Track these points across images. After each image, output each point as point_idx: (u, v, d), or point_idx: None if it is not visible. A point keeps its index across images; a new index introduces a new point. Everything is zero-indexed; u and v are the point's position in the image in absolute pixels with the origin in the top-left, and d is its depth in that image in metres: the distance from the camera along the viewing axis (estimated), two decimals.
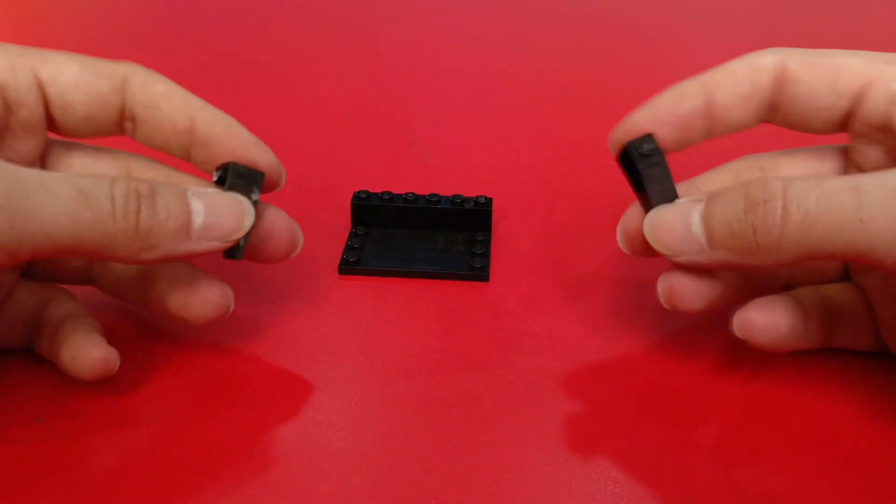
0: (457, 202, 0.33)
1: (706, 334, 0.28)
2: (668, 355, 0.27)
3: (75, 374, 0.24)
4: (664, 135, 0.25)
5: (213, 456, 0.23)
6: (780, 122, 0.26)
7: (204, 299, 0.25)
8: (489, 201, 0.33)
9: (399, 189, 0.34)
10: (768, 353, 0.25)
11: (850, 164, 0.26)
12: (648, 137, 0.24)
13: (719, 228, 0.22)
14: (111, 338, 0.25)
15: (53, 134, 0.26)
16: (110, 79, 0.25)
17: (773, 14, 0.63)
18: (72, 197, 0.20)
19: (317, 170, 0.39)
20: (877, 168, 0.25)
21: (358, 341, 0.28)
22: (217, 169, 0.25)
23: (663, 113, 0.25)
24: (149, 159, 0.27)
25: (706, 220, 0.23)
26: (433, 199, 0.33)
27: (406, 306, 0.30)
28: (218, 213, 0.23)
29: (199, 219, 0.23)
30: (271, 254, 0.26)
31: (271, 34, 0.57)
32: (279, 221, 0.26)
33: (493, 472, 0.23)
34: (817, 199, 0.21)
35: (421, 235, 0.33)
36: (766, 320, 0.24)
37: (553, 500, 0.22)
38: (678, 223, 0.23)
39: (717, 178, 0.27)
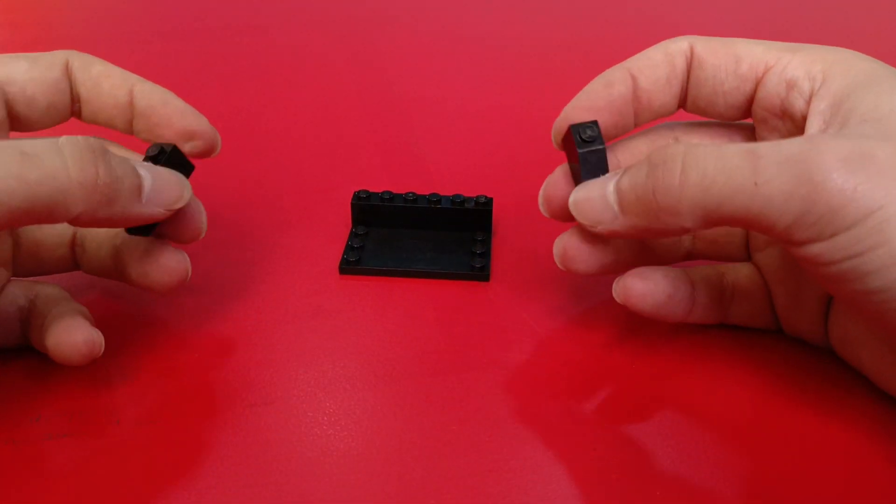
0: (457, 202, 0.33)
1: (715, 337, 0.28)
2: (669, 354, 0.27)
3: (61, 359, 0.24)
4: (602, 122, 0.26)
5: (213, 455, 0.23)
6: (690, 107, 0.27)
7: (161, 267, 0.26)
8: (489, 201, 0.33)
9: (399, 189, 0.34)
10: (655, 320, 0.27)
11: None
12: (593, 124, 0.25)
13: (627, 194, 0.23)
14: (119, 340, 0.25)
15: (15, 133, 0.27)
16: (57, 66, 0.27)
17: (771, 5, 0.63)
18: (15, 159, 0.20)
19: (317, 170, 0.39)
20: None
21: (357, 341, 0.28)
22: (151, 147, 0.26)
23: (596, 100, 0.26)
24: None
25: (618, 189, 0.24)
26: (433, 199, 0.33)
27: (406, 306, 0.30)
28: (163, 182, 0.24)
29: (147, 183, 0.24)
30: (182, 234, 0.27)
31: (271, 34, 0.57)
32: (194, 206, 0.27)
33: (492, 472, 0.23)
34: (715, 161, 0.21)
35: (421, 235, 0.33)
36: (642, 287, 0.26)
37: (553, 499, 0.22)
38: (596, 195, 0.24)
39: (634, 144, 0.27)
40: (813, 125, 0.23)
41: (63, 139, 0.22)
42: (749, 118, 0.26)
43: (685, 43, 0.26)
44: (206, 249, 0.33)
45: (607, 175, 0.25)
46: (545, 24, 0.61)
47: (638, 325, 0.29)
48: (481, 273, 0.31)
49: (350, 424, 0.24)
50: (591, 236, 0.26)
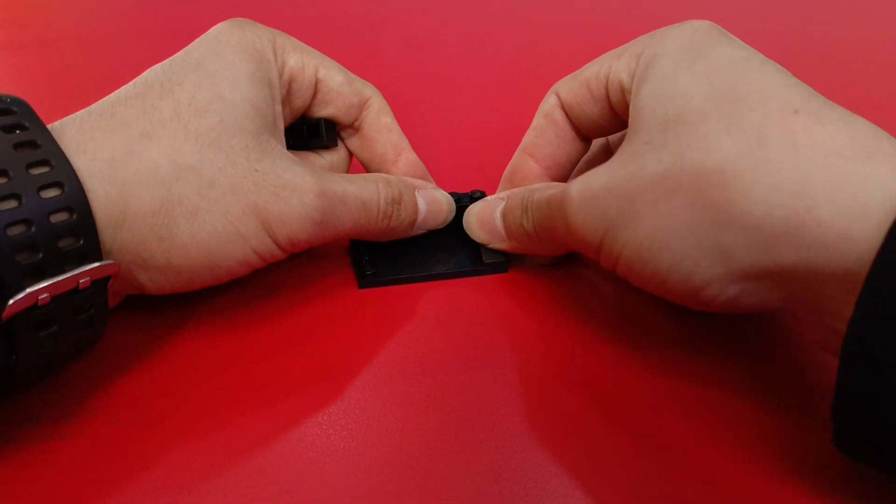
0: (454, 199, 0.33)
1: (713, 336, 0.28)
2: (671, 353, 0.27)
3: None
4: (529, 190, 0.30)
5: (213, 456, 0.23)
6: (593, 137, 0.31)
7: None
8: (483, 194, 0.33)
9: None
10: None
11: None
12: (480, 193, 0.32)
13: (509, 226, 0.29)
14: (119, 340, 0.25)
15: None
16: (360, 96, 0.32)
17: (763, 6, 0.63)
18: (357, 209, 0.28)
19: None
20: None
21: (377, 347, 0.28)
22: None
23: (515, 185, 0.31)
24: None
25: (504, 217, 0.30)
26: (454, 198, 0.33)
27: (414, 308, 0.30)
28: (434, 210, 0.31)
29: (422, 215, 0.31)
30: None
31: None
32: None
33: (491, 473, 0.23)
34: (537, 210, 0.27)
35: (424, 238, 0.33)
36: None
37: (553, 499, 0.22)
38: (486, 219, 0.30)
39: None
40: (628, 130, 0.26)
41: (382, 191, 0.29)
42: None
43: (552, 97, 0.30)
44: None
45: (493, 198, 0.30)
46: (543, 23, 0.61)
47: (640, 326, 0.29)
48: (501, 265, 0.31)
49: (350, 424, 0.25)
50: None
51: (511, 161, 0.31)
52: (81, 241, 0.22)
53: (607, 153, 0.32)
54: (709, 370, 0.27)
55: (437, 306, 0.30)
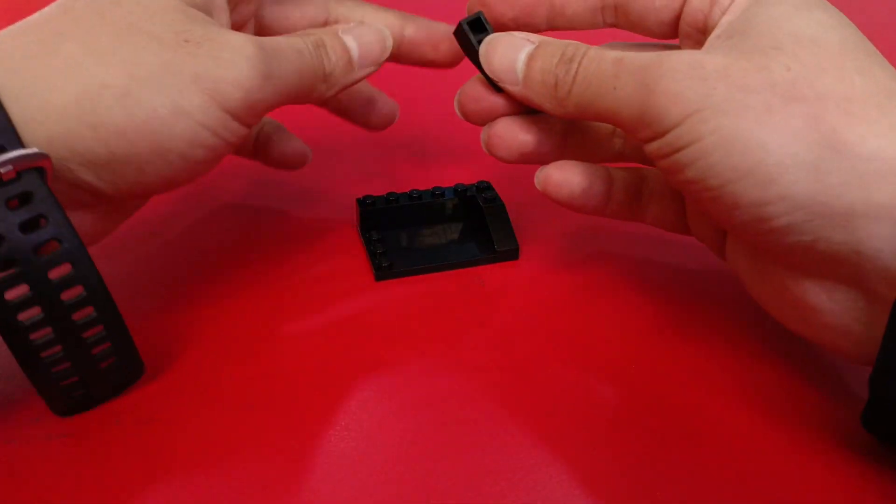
0: (460, 190, 0.33)
1: (727, 328, 0.28)
2: (673, 354, 0.27)
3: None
4: (505, 14, 0.28)
5: (213, 456, 0.23)
6: (623, 24, 0.28)
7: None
8: (489, 185, 0.34)
9: (400, 189, 0.34)
10: (572, 210, 0.29)
11: None
12: (478, 16, 0.28)
13: (534, 73, 0.26)
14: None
15: None
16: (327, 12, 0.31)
17: None
18: (295, 56, 0.27)
19: (314, 179, 0.38)
20: None
21: (378, 347, 0.28)
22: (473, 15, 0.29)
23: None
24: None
25: (528, 62, 0.27)
26: (438, 192, 0.33)
27: (414, 308, 0.30)
28: (366, 44, 0.29)
29: (355, 52, 0.29)
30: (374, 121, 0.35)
31: None
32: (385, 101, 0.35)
33: (492, 473, 0.23)
34: (597, 66, 0.25)
35: (435, 230, 0.33)
36: (559, 176, 0.28)
37: (554, 499, 0.22)
38: (508, 56, 0.27)
39: None
40: (711, 37, 0.25)
41: (305, 37, 0.28)
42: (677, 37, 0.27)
43: None
44: (218, 254, 0.32)
45: (522, 39, 0.27)
46: None
47: (642, 326, 0.29)
48: (513, 253, 0.32)
49: (350, 424, 0.24)
50: (518, 127, 0.28)
51: None
52: None
53: None
54: (709, 371, 0.26)
55: (438, 306, 0.30)
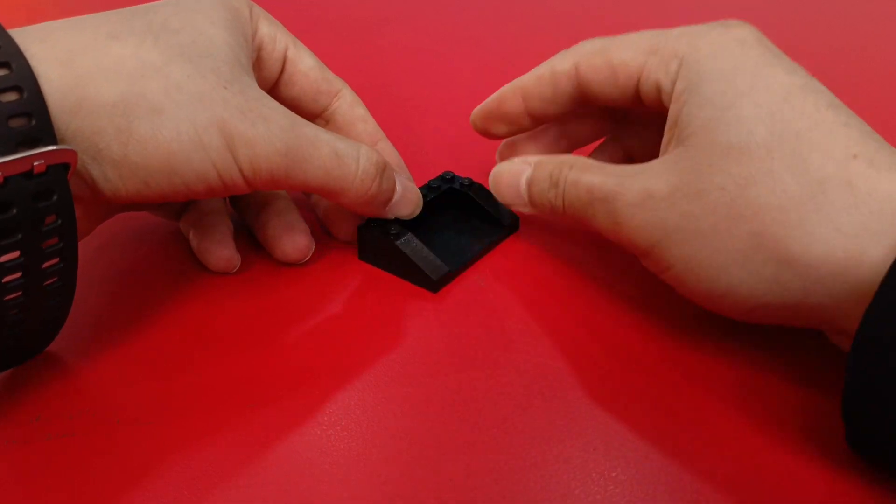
0: (434, 186, 0.33)
1: (722, 334, 0.28)
2: (673, 355, 0.27)
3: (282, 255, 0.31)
4: (496, 128, 0.32)
5: (213, 456, 0.23)
6: (593, 107, 0.31)
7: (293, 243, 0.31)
8: (453, 174, 0.34)
9: None
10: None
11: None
12: (395, 222, 0.30)
13: (534, 197, 0.30)
14: (112, 339, 0.25)
15: None
16: (330, 85, 0.32)
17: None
18: (330, 157, 0.27)
19: None
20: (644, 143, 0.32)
21: (378, 347, 0.28)
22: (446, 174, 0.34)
23: (490, 112, 0.32)
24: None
25: (528, 188, 0.30)
26: (433, 185, 0.34)
27: (414, 308, 0.30)
28: (407, 199, 0.30)
29: (396, 197, 0.30)
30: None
31: None
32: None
33: (492, 472, 0.23)
34: (575, 195, 0.27)
35: (440, 225, 0.33)
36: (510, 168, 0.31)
37: (554, 499, 0.22)
38: (512, 184, 0.30)
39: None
40: (664, 140, 0.26)
41: (364, 151, 0.28)
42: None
43: (569, 63, 0.29)
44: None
45: (521, 164, 0.30)
46: (540, 23, 0.61)
47: (644, 325, 0.29)
48: (515, 224, 0.34)
49: (350, 424, 0.24)
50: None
51: (501, 91, 0.32)
52: (34, 122, 0.21)
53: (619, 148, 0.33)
54: (710, 373, 0.27)
55: (438, 306, 0.30)
